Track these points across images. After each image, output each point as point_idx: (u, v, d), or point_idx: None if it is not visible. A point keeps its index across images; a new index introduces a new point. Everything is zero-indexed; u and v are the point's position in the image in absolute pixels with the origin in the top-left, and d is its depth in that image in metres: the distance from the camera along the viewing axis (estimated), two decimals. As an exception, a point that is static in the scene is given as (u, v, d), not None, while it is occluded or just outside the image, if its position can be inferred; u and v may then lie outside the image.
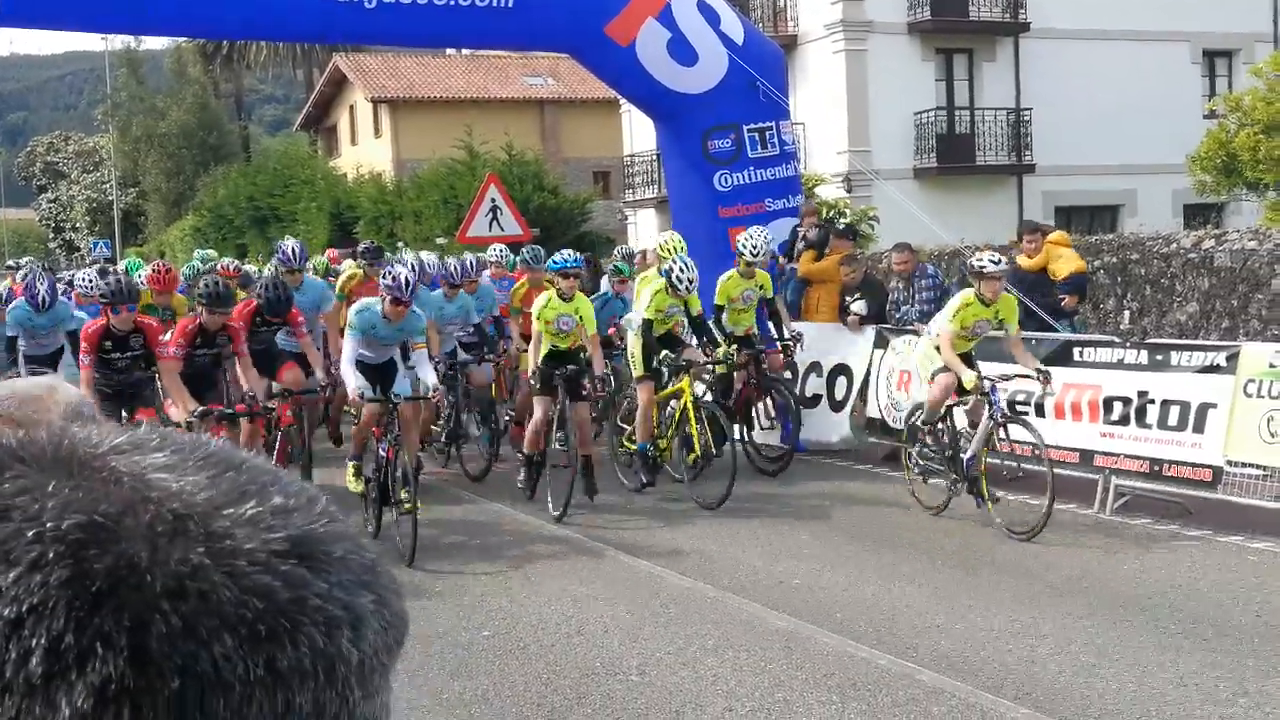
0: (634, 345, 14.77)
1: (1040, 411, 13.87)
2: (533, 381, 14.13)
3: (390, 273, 13.32)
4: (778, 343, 16.02)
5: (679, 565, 11.56)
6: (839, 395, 16.55)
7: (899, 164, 34.12)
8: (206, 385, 13.30)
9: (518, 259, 18.78)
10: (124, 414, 12.71)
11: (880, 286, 17.17)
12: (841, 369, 16.55)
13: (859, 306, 16.55)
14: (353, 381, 12.76)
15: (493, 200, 21.97)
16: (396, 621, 0.83)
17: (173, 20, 17.51)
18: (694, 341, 14.97)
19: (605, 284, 17.95)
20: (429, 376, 13.12)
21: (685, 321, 15.06)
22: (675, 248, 15.58)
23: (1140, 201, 35.60)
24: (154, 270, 17.49)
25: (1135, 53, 35.67)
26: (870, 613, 9.90)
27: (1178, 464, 12.46)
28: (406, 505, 12.12)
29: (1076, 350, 13.79)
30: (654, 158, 36.51)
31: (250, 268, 23.37)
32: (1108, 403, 13.22)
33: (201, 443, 0.85)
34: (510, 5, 17.01)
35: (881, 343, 16.29)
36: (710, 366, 14.90)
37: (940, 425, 13.17)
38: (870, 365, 16.35)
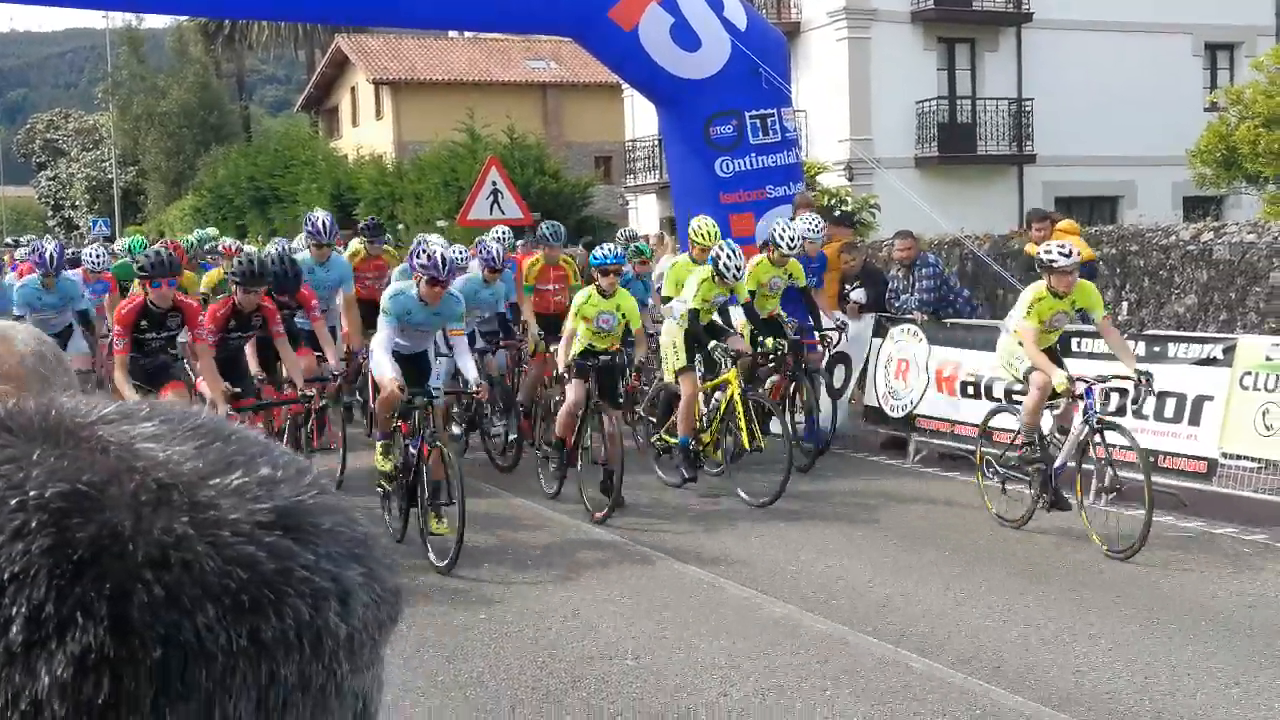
0: (674, 335, 14.05)
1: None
2: (566, 375, 13.25)
3: (424, 251, 12.29)
4: (816, 333, 15.60)
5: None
6: (837, 384, 16.56)
7: (900, 153, 34.11)
8: (240, 371, 12.54)
9: (520, 241, 18.71)
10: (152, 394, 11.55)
11: (879, 275, 17.19)
12: (840, 357, 16.57)
13: (858, 295, 16.58)
14: (388, 370, 11.68)
15: (494, 184, 21.94)
16: (388, 597, 0.82)
17: (175, -1, 17.49)
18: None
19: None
20: (470, 369, 12.16)
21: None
22: (710, 232, 15.28)
23: (1140, 193, 35.61)
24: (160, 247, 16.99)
25: (1137, 44, 35.66)
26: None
27: (1173, 455, 12.50)
28: (439, 529, 11.32)
29: (1074, 341, 13.80)
30: (656, 143, 36.50)
31: (250, 248, 23.28)
32: (1104, 394, 13.22)
33: (191, 414, 0.84)
34: (514, -12, 17.01)
35: (880, 331, 16.33)
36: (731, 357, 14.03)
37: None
38: (869, 354, 16.40)
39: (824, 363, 16.03)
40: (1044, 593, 10.08)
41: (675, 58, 17.67)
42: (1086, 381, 11.40)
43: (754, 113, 17.98)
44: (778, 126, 18.21)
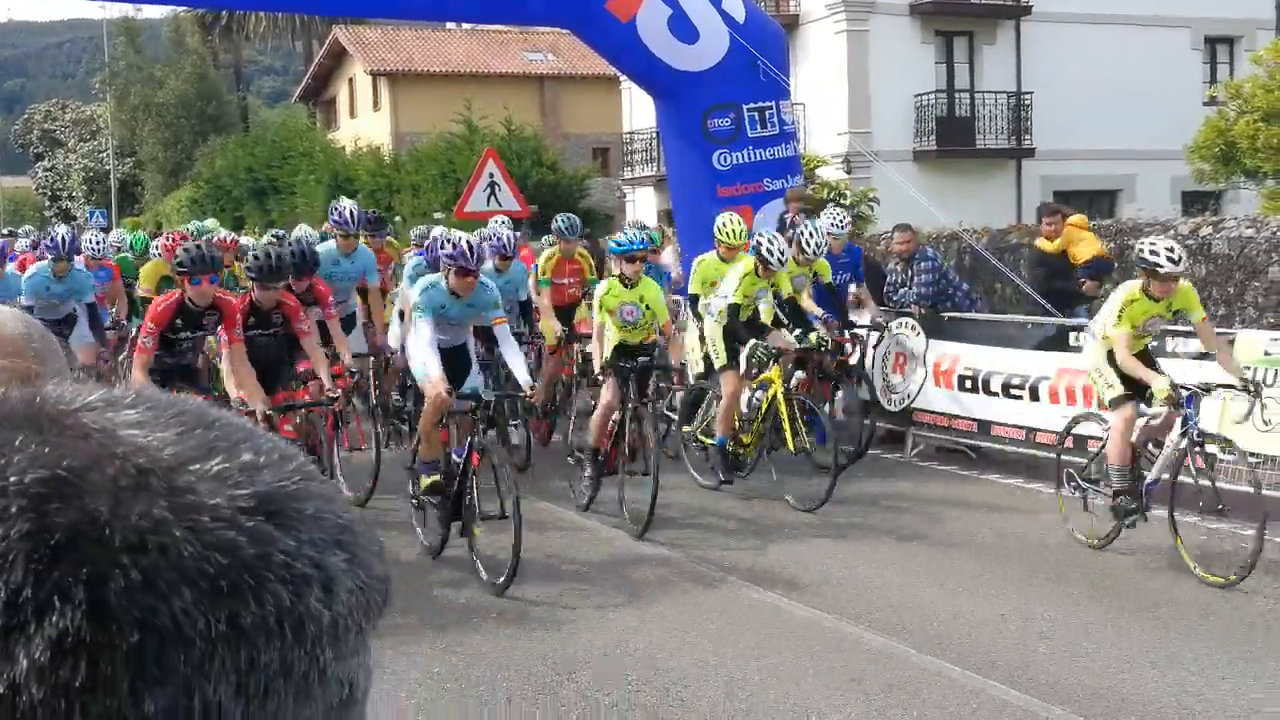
0: (713, 331, 13.43)
1: (1035, 396, 13.89)
2: (601, 376, 12.45)
3: (449, 239, 11.47)
4: (845, 331, 15.02)
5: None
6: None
7: (899, 146, 34.07)
8: (269, 373, 11.65)
9: (517, 234, 18.60)
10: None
11: (878, 268, 17.15)
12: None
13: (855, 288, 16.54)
14: (435, 369, 10.61)
15: (491, 175, 21.92)
16: (375, 584, 0.82)
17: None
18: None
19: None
20: (522, 370, 11.18)
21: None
22: (737, 231, 14.52)
23: (1139, 187, 35.56)
24: (168, 240, 16.31)
25: (1136, 38, 35.61)
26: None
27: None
28: (479, 531, 10.43)
29: (1072, 335, 13.79)
30: (653, 135, 36.45)
31: (247, 240, 23.20)
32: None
33: (177, 400, 0.84)
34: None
35: (877, 325, 16.29)
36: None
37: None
38: (866, 347, 16.36)
39: (853, 361, 15.40)
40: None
41: (673, 50, 17.64)
42: (1189, 389, 10.32)
43: (752, 105, 17.96)
44: (776, 119, 18.18)
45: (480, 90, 45.35)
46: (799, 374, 14.04)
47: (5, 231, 27.78)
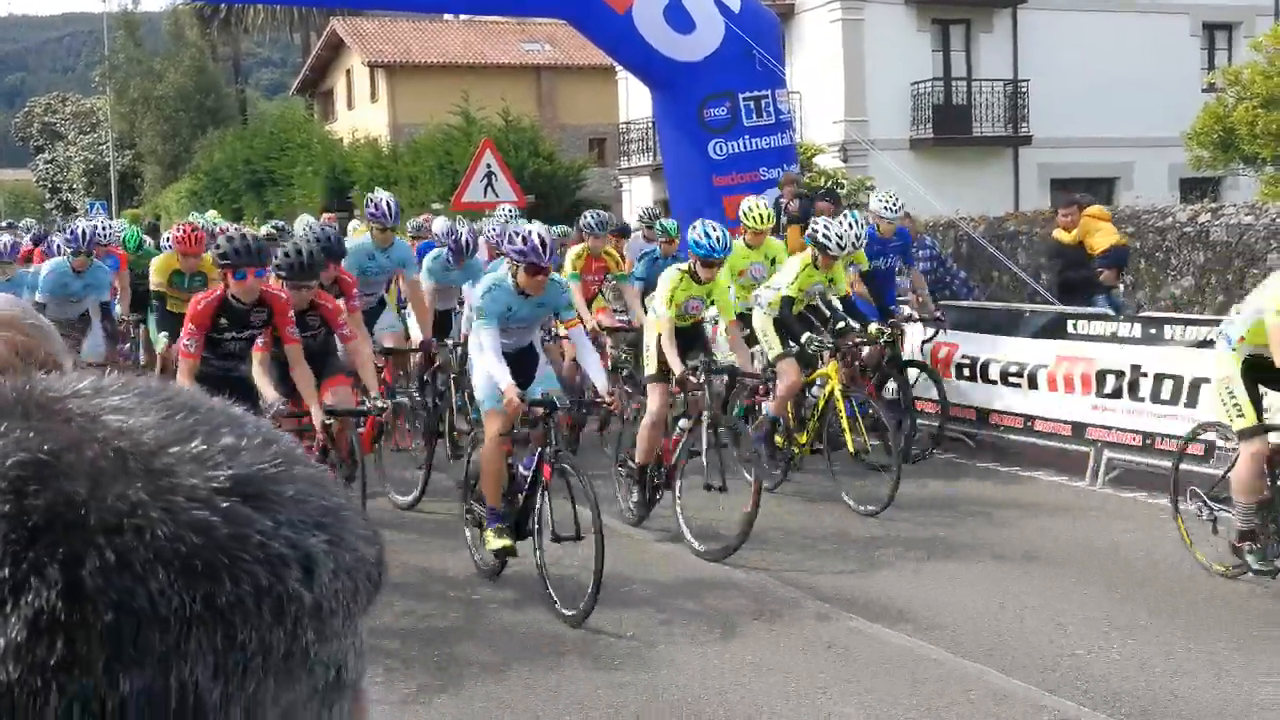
0: (762, 323, 12.59)
1: (1034, 384, 13.86)
2: (684, 384, 10.90)
3: (517, 233, 9.91)
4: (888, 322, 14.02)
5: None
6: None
7: (895, 134, 34.02)
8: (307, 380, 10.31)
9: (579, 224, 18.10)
10: None
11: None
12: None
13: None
14: (504, 377, 9.40)
15: (488, 166, 21.91)
16: (362, 567, 0.82)
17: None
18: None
19: (637, 245, 17.25)
20: (600, 375, 10.24)
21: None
22: (764, 215, 13.88)
23: (1137, 175, 35.51)
24: (179, 231, 15.27)
25: (1134, 25, 35.56)
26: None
27: (1170, 437, 12.45)
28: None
29: (1070, 323, 13.77)
30: (650, 125, 36.40)
31: (252, 231, 23.03)
32: (1100, 376, 13.21)
33: (166, 387, 0.85)
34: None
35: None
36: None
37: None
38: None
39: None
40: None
41: (669, 40, 17.63)
42: None
43: (748, 95, 17.95)
44: (772, 108, 18.17)
45: (477, 81, 45.31)
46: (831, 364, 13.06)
47: (4, 224, 27.68)
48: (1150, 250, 16.49)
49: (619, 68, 31.06)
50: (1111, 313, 13.81)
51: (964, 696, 7.47)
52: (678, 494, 11.09)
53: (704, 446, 10.91)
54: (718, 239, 11.22)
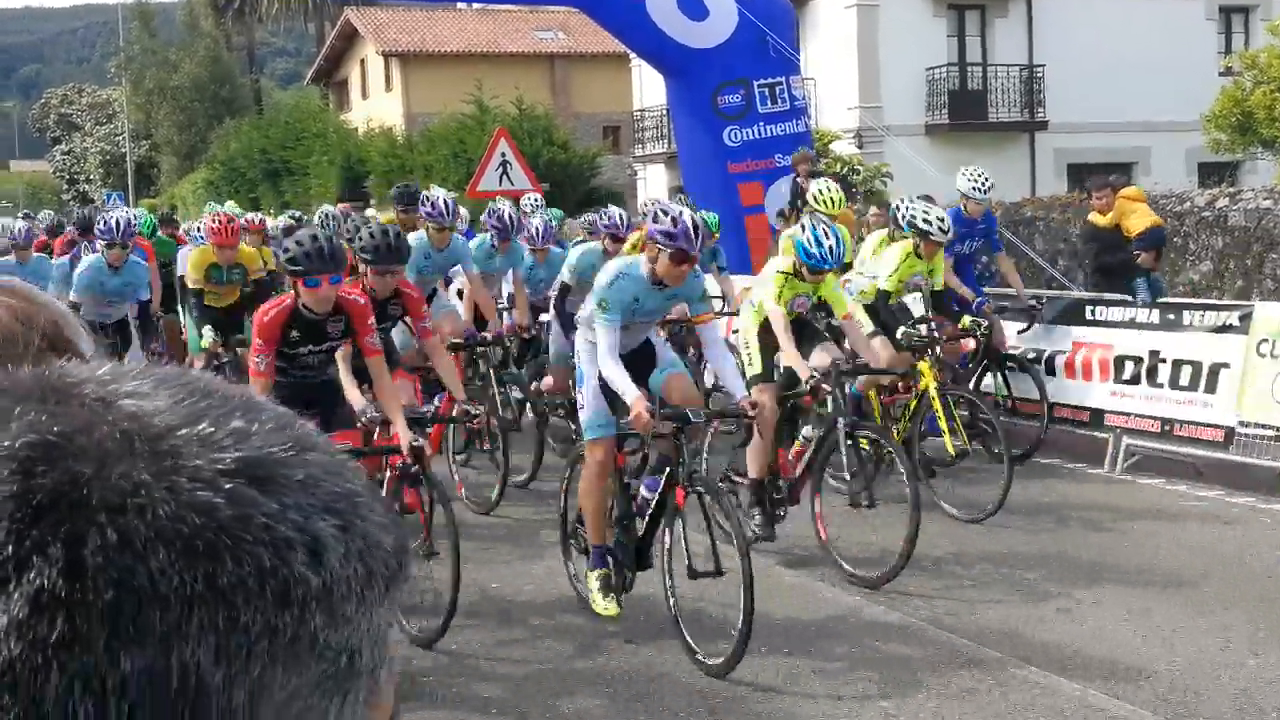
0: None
1: (1050, 369, 13.78)
2: (823, 386, 9.51)
3: (667, 213, 8.31)
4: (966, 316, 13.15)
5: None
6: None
7: (911, 120, 33.92)
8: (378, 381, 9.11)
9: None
10: None
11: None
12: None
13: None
14: (630, 387, 7.99)
15: (503, 155, 21.91)
16: (377, 553, 0.81)
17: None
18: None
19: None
20: (736, 380, 8.78)
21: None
22: (837, 199, 13.07)
23: (1154, 159, 35.37)
24: (214, 222, 14.34)
25: (1149, 8, 35.37)
26: None
27: (1189, 424, 12.39)
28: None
29: (1089, 309, 13.69)
30: (664, 113, 36.32)
31: (271, 221, 22.77)
32: (1119, 362, 13.15)
33: (185, 373, 0.85)
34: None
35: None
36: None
37: None
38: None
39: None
40: None
41: (683, 27, 17.58)
42: None
43: (762, 81, 17.89)
44: (786, 95, 18.11)
45: (491, 70, 45.31)
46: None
47: (21, 214, 27.73)
48: (1168, 235, 16.40)
49: (633, 55, 31.02)
50: (1149, 297, 13.62)
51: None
52: (817, 510, 9.76)
53: (844, 459, 9.60)
54: (830, 248, 9.63)
